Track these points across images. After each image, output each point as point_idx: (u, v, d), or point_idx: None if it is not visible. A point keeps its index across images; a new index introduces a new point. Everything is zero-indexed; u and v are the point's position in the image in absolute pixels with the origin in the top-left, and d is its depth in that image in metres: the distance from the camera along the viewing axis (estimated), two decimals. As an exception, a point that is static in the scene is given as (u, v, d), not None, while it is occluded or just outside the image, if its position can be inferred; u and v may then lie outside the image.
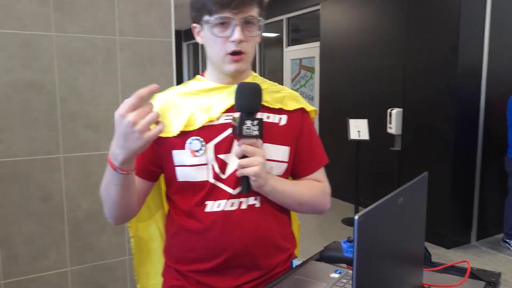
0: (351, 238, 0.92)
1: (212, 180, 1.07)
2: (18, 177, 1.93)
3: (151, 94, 0.89)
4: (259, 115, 1.09)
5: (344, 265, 0.98)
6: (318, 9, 5.60)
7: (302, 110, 1.19)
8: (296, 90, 6.40)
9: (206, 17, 1.05)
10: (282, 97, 1.17)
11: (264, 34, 7.26)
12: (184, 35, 10.07)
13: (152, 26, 2.17)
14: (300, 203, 1.15)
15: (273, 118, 1.13)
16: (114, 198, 1.02)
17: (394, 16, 4.45)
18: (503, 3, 3.85)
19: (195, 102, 1.11)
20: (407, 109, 4.26)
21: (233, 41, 1.04)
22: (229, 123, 1.08)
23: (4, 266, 1.94)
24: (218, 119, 1.08)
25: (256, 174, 1.02)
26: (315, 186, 1.19)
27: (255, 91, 1.05)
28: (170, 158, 1.08)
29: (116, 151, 0.92)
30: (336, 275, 0.92)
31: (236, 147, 1.05)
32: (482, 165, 3.97)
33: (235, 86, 1.07)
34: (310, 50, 6.01)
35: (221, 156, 1.07)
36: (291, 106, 1.17)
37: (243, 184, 1.04)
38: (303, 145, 1.18)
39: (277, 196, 1.10)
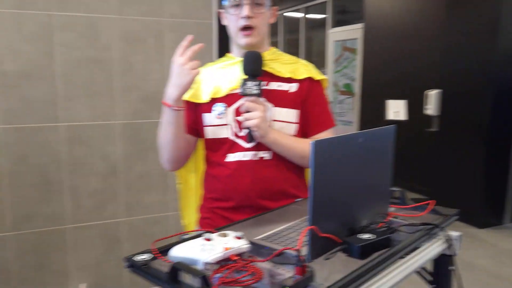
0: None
1: (232, 137, 1.31)
2: (83, 139, 2.29)
3: (200, 49, 1.21)
4: (273, 84, 1.32)
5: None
6: (362, -9, 5.66)
7: (310, 79, 1.37)
8: (339, 71, 6.51)
9: (225, 2, 1.30)
10: (295, 68, 1.37)
11: (309, 16, 7.37)
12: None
13: (197, 9, 2.43)
14: (301, 156, 1.32)
15: (284, 86, 1.34)
16: (169, 138, 1.30)
17: (436, -2, 4.46)
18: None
19: (222, 75, 1.36)
20: (445, 91, 4.30)
21: (243, 17, 1.26)
22: None
23: (73, 213, 2.32)
24: (238, 88, 1.29)
25: (256, 125, 1.22)
26: None
27: (255, 58, 1.26)
28: (201, 119, 1.36)
29: (170, 90, 1.21)
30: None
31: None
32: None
33: None
34: (354, 32, 6.08)
35: (238, 118, 1.30)
36: (301, 75, 1.36)
37: (248, 135, 1.25)
38: (310, 108, 1.36)
39: (279, 148, 1.29)
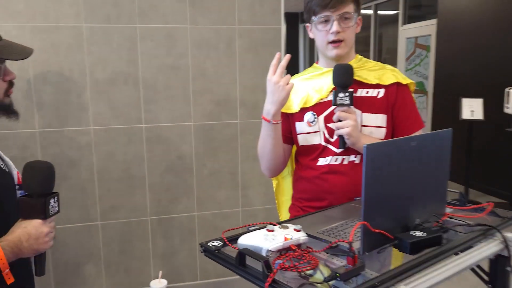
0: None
1: (323, 143, 1.41)
2: (161, 139, 2.51)
3: (287, 62, 1.33)
4: (360, 91, 1.39)
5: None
6: (436, -15, 5.45)
7: (398, 83, 1.42)
8: (411, 69, 6.32)
9: (313, 18, 1.39)
10: (382, 74, 1.42)
11: (381, 12, 7.22)
12: (300, 17, 10.37)
13: (265, 15, 2.55)
14: None
15: (371, 93, 1.41)
16: (268, 148, 1.42)
17: (518, -11, 4.20)
18: None
19: (311, 85, 1.46)
20: (528, 88, 4.03)
21: (332, 33, 1.35)
22: None
23: (152, 206, 2.55)
24: (327, 96, 1.41)
25: (348, 133, 1.31)
26: None
27: (345, 70, 1.34)
28: (294, 128, 1.47)
29: (268, 106, 1.33)
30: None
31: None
32: None
33: None
34: (427, 28, 5.87)
35: (329, 125, 1.40)
36: (388, 81, 1.41)
37: (340, 142, 1.35)
38: (398, 112, 1.41)
39: None
